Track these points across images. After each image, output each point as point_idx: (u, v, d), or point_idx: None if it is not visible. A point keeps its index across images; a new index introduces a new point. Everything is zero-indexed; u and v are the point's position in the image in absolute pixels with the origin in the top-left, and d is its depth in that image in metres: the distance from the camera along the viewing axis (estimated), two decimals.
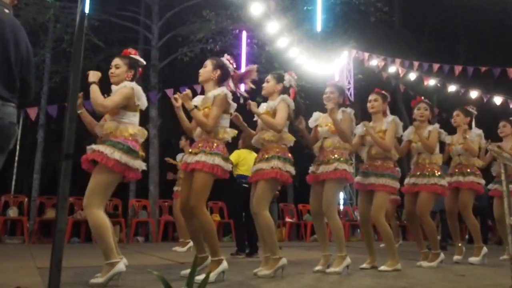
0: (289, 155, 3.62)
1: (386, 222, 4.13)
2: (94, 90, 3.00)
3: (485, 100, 10.85)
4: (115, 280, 2.87)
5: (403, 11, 16.71)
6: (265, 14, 9.10)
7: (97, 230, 2.90)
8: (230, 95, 3.32)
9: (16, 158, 9.21)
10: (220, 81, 3.40)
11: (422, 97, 4.83)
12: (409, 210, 4.54)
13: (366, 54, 11.25)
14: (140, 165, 3.06)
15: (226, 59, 3.48)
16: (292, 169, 3.56)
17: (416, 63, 10.93)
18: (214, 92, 3.31)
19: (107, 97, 3.04)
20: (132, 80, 3.18)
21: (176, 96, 3.34)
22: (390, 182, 4.07)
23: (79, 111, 3.25)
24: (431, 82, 11.06)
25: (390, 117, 4.22)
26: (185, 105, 3.29)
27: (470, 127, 4.99)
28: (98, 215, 2.90)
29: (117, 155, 2.91)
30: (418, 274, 3.81)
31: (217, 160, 3.17)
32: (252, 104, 3.55)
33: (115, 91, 3.08)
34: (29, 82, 2.33)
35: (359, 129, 4.28)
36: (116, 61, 3.20)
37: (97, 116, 3.34)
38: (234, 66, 3.53)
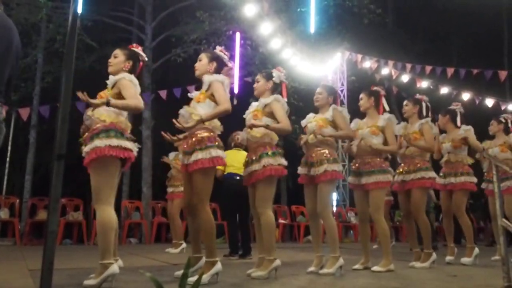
0: (277, 148, 3.63)
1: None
2: (117, 102, 2.93)
3: (477, 102, 10.93)
4: (109, 282, 2.85)
5: (396, 13, 16.80)
6: (259, 15, 9.11)
7: (102, 226, 2.88)
8: (227, 83, 3.31)
9: (8, 159, 9.13)
10: (216, 73, 3.39)
11: (417, 95, 4.86)
12: (405, 209, 4.57)
13: (359, 56, 11.31)
14: (132, 145, 3.04)
15: (219, 50, 3.48)
16: (283, 161, 3.57)
17: (408, 65, 11.00)
18: (210, 77, 3.30)
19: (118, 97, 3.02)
20: (130, 72, 3.17)
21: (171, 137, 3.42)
22: (382, 177, 4.06)
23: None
24: (424, 84, 11.13)
25: (387, 115, 4.25)
26: (191, 126, 3.20)
27: (456, 125, 4.99)
28: (108, 212, 2.90)
29: (106, 141, 2.90)
30: (411, 275, 3.82)
31: (214, 152, 3.16)
32: (253, 120, 3.55)
33: (120, 85, 3.03)
34: (13, 81, 2.33)
35: (352, 125, 4.33)
36: (116, 51, 3.23)
37: None
38: (228, 56, 3.53)
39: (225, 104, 3.21)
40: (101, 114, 3.00)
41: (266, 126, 3.50)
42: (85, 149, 2.96)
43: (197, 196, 3.16)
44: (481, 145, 5.17)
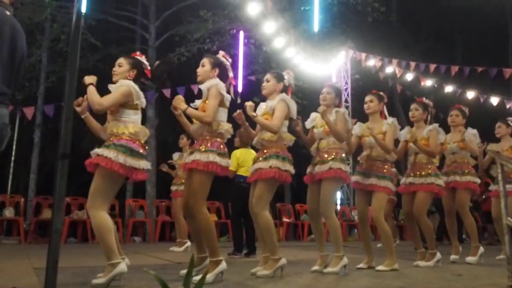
0: (288, 154, 3.62)
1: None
2: (91, 90, 3.03)
3: (481, 100, 10.88)
4: (117, 280, 2.87)
5: (400, 11, 16.73)
6: (262, 14, 9.10)
7: (98, 231, 2.90)
8: (222, 85, 3.29)
9: (13, 158, 9.19)
10: (218, 78, 3.39)
11: (423, 98, 4.85)
12: (407, 210, 4.55)
13: (363, 55, 11.28)
14: (146, 165, 3.06)
15: (222, 56, 3.48)
16: (291, 168, 3.56)
17: (413, 64, 10.96)
18: (207, 84, 3.30)
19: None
20: (134, 81, 3.17)
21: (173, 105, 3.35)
22: (390, 184, 4.11)
23: (83, 116, 3.30)
24: (428, 82, 11.09)
25: (390, 119, 4.23)
26: (179, 107, 3.29)
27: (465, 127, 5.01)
28: (100, 216, 2.90)
29: (121, 158, 2.91)
30: (415, 274, 3.81)
31: (211, 157, 3.14)
32: (249, 107, 3.55)
33: (113, 89, 3.08)
34: (18, 83, 2.35)
35: (357, 129, 4.29)
36: (120, 60, 3.22)
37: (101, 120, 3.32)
38: (230, 61, 3.52)
39: (208, 118, 3.18)
40: (116, 127, 3.04)
41: (254, 117, 3.50)
42: (97, 151, 2.96)
43: (192, 197, 3.16)
44: (480, 149, 5.10)
